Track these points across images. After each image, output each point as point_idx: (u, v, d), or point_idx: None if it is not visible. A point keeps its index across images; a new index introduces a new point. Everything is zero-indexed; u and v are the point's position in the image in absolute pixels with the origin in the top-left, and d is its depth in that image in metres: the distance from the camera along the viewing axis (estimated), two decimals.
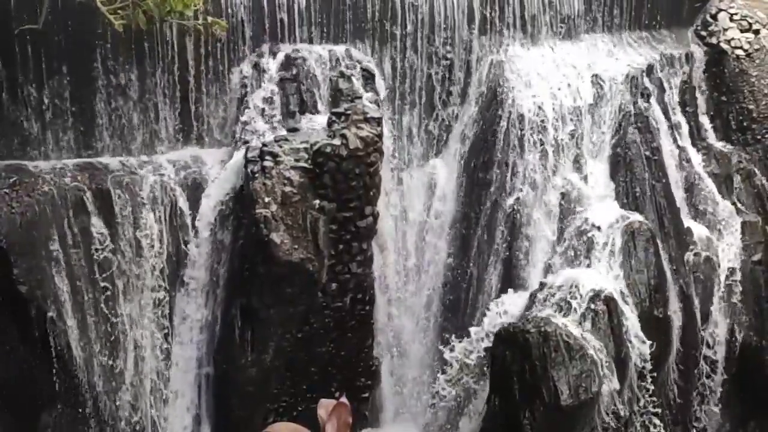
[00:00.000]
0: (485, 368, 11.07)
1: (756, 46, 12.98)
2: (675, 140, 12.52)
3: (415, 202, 12.17)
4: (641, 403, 11.11)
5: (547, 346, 10.19)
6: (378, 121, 10.73)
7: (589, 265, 11.17)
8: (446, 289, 12.11)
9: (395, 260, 11.93)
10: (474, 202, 11.93)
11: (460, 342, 11.40)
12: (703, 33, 13.17)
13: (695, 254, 12.12)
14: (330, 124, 10.65)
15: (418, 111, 12.01)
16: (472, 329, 11.30)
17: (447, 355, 11.42)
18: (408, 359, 12.16)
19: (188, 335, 11.00)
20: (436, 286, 12.17)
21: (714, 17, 13.15)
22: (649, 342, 10.90)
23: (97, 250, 10.35)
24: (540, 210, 11.68)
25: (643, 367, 10.93)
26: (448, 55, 11.91)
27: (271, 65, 11.18)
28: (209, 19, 9.85)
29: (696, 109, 13.00)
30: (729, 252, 12.24)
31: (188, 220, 10.87)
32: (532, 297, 11.09)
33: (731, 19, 13.09)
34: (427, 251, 12.18)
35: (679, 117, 12.73)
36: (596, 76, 12.09)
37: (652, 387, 11.05)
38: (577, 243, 11.41)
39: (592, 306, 10.67)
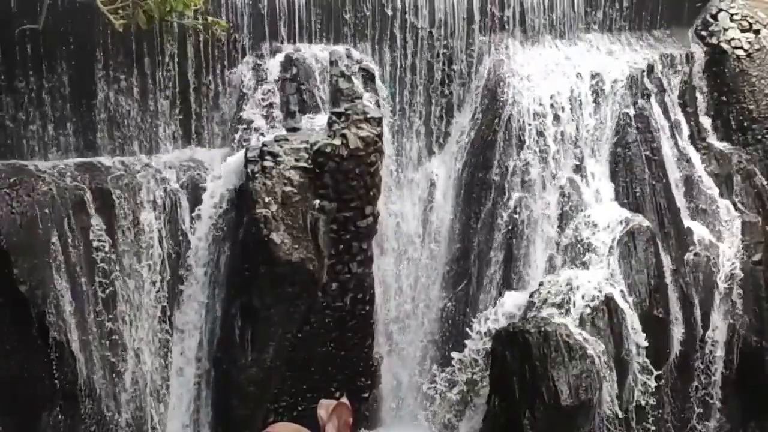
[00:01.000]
0: (470, 398, 11.08)
1: (756, 46, 12.98)
2: (675, 140, 12.52)
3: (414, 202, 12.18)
4: (641, 402, 11.11)
5: (547, 346, 10.19)
6: (378, 121, 10.72)
7: (589, 265, 11.17)
8: (446, 288, 12.12)
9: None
10: (474, 203, 11.92)
11: (442, 371, 11.39)
12: (704, 33, 13.16)
13: (695, 254, 12.12)
14: (330, 123, 10.65)
15: (418, 108, 12.03)
16: (455, 355, 11.30)
17: (426, 387, 11.43)
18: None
19: (189, 334, 11.03)
20: (438, 283, 12.18)
21: (714, 17, 13.15)
22: (648, 342, 10.91)
23: (97, 250, 10.35)
24: (540, 210, 11.67)
25: (643, 367, 10.94)
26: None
27: (271, 65, 11.18)
28: (209, 18, 9.84)
29: (696, 109, 13.00)
30: (729, 252, 12.23)
31: (187, 220, 10.87)
32: (532, 297, 11.09)
33: (731, 19, 13.08)
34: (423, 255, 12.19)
35: (679, 117, 12.73)
36: (596, 76, 12.08)
37: (652, 386, 11.06)
38: (577, 243, 11.40)
39: (592, 306, 10.68)
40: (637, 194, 12.01)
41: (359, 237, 10.72)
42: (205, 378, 11.05)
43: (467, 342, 11.30)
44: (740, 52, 12.92)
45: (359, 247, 10.75)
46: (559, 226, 11.66)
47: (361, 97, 11.03)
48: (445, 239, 12.06)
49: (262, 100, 11.11)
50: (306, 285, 10.49)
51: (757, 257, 12.41)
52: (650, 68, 12.43)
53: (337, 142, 10.42)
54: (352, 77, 11.26)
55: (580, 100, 11.91)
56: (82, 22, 10.19)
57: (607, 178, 12.02)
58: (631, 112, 12.14)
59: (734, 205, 12.59)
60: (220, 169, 10.92)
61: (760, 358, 12.39)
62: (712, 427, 12.47)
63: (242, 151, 10.67)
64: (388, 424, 11.88)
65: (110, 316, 10.47)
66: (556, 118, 11.78)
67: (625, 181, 12.05)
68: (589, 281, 10.85)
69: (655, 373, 11.04)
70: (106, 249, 10.39)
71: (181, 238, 10.87)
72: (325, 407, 3.84)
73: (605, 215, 11.45)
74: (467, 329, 11.44)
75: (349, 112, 10.64)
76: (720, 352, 12.28)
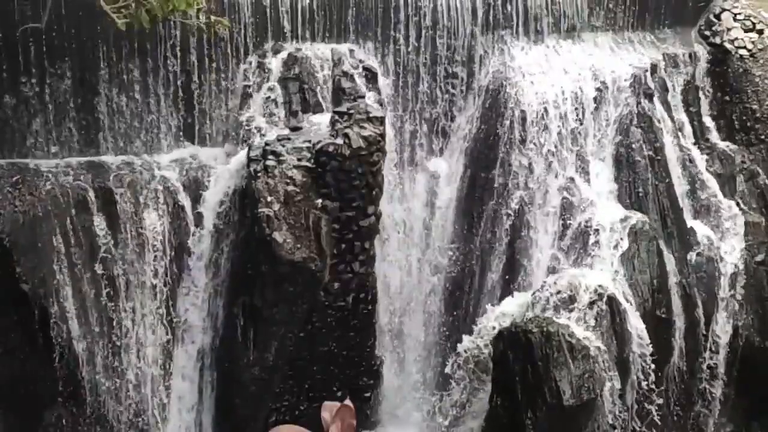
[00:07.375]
0: (472, 397, 11.09)
1: (760, 46, 12.96)
2: (678, 140, 12.51)
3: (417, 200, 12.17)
4: (643, 402, 11.11)
5: (550, 346, 10.18)
6: (381, 121, 10.70)
7: (591, 265, 11.16)
8: (449, 287, 12.12)
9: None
10: (476, 203, 11.90)
11: (444, 371, 11.41)
12: (707, 33, 13.14)
13: (698, 254, 12.11)
14: (333, 123, 10.64)
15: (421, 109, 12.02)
16: (460, 347, 11.31)
17: (428, 386, 11.44)
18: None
19: (192, 333, 11.04)
20: (440, 282, 12.17)
21: (718, 17, 13.13)
22: (651, 342, 10.90)
23: (99, 248, 10.35)
24: (542, 210, 11.66)
25: (646, 367, 10.93)
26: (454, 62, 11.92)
27: (274, 64, 11.17)
28: (212, 17, 9.83)
29: (699, 109, 12.98)
30: (732, 252, 12.22)
31: (190, 219, 10.87)
32: (534, 297, 11.07)
33: (735, 19, 13.06)
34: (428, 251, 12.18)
35: (682, 117, 12.71)
36: (599, 75, 12.06)
37: (654, 387, 11.05)
38: (580, 243, 11.39)
39: (595, 306, 10.67)
40: (640, 194, 11.99)
41: (361, 236, 10.70)
42: (208, 377, 11.05)
43: (465, 340, 11.28)
44: (743, 52, 12.90)
45: (361, 246, 10.73)
46: (561, 226, 11.64)
47: (363, 97, 11.02)
48: (448, 239, 12.05)
49: (265, 99, 11.10)
50: (308, 284, 10.49)
51: (760, 257, 12.40)
52: (653, 68, 12.41)
53: (340, 141, 10.41)
54: (355, 76, 11.25)
55: (582, 100, 11.89)
56: (84, 21, 10.19)
57: (610, 177, 12.01)
58: (635, 111, 12.12)
59: (737, 205, 12.58)
60: (222, 168, 10.91)
61: (762, 357, 12.38)
62: (715, 427, 12.45)
63: (245, 150, 10.66)
64: (389, 424, 11.88)
65: (112, 314, 10.47)
66: (559, 117, 11.76)
67: (628, 180, 12.03)
68: (592, 281, 10.84)
69: (657, 374, 11.05)
70: (109, 247, 10.39)
71: (183, 237, 10.86)
72: (328, 409, 3.84)
73: (608, 215, 11.44)
74: (470, 328, 11.45)
75: (351, 111, 10.63)
76: (722, 352, 12.27)
